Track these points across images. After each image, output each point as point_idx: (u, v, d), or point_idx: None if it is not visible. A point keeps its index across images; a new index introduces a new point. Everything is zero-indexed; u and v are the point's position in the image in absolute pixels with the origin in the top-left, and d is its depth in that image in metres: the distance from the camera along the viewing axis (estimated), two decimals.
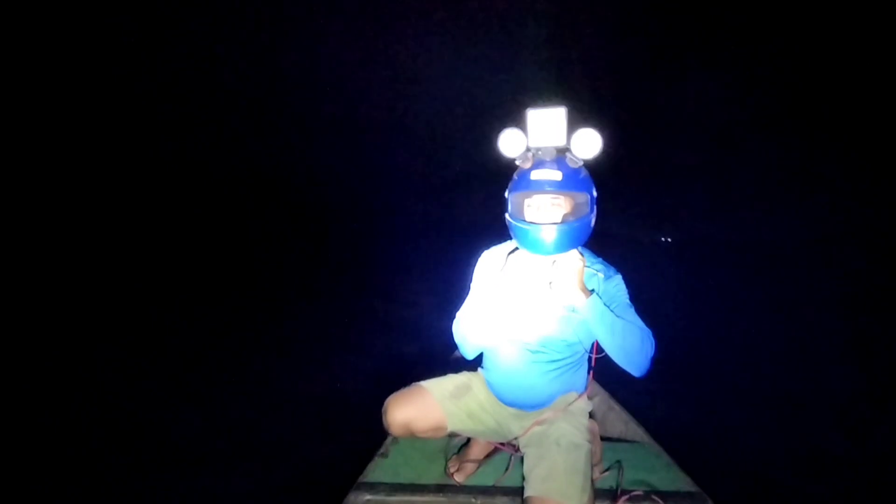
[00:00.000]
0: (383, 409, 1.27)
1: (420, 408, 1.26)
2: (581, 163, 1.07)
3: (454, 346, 1.40)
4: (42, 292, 3.73)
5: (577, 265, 1.09)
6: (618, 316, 1.11)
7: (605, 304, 1.11)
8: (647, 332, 1.12)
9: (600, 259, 1.24)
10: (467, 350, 1.25)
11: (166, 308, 3.63)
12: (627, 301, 1.17)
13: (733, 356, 2.77)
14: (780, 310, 3.32)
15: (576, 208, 1.09)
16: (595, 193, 1.10)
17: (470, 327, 1.19)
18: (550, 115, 1.03)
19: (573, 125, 1.05)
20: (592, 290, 1.14)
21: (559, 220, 1.08)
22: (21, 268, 4.01)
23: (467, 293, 1.28)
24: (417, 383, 1.32)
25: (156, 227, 5.01)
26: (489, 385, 1.32)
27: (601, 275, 1.19)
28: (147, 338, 3.12)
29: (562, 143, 1.05)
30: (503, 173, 1.19)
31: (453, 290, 1.25)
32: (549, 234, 1.05)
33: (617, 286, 1.18)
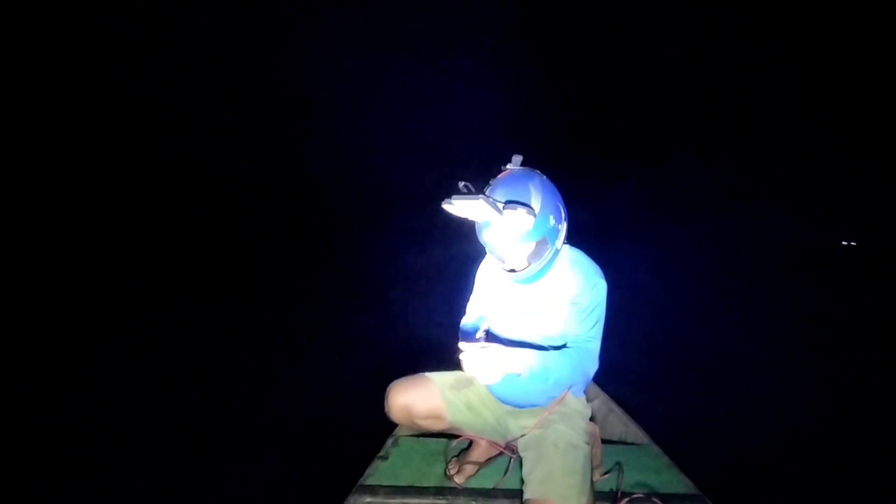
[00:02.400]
0: (385, 394, 1.30)
1: (421, 392, 1.29)
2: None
3: (455, 347, 1.42)
4: (42, 292, 3.73)
5: (491, 362, 1.05)
6: (549, 352, 1.14)
7: (536, 359, 1.10)
8: (582, 360, 1.13)
9: (588, 261, 1.22)
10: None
11: (166, 308, 3.63)
12: (591, 314, 1.15)
13: (734, 358, 2.76)
14: (782, 312, 3.32)
15: (537, 247, 1.10)
16: (553, 222, 1.08)
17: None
18: (470, 206, 0.99)
19: (500, 186, 1.05)
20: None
21: (518, 268, 1.12)
22: (20, 267, 4.01)
23: (469, 296, 1.33)
24: (421, 373, 1.36)
25: (155, 226, 5.01)
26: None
27: (578, 279, 1.18)
28: (147, 338, 3.12)
29: (495, 218, 1.02)
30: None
31: (454, 290, 1.26)
32: (517, 278, 1.13)
33: (589, 296, 1.16)
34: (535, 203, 1.04)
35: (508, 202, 1.02)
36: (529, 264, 1.11)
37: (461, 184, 1.01)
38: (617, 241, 4.46)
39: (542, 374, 1.11)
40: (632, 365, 2.55)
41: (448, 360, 1.43)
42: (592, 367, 1.17)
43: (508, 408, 1.32)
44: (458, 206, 0.99)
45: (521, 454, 1.24)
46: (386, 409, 1.30)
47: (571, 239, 1.26)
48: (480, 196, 0.97)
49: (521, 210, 1.01)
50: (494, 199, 1.01)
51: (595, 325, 1.17)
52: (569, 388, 1.26)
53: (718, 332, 3.04)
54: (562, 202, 1.13)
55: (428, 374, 1.36)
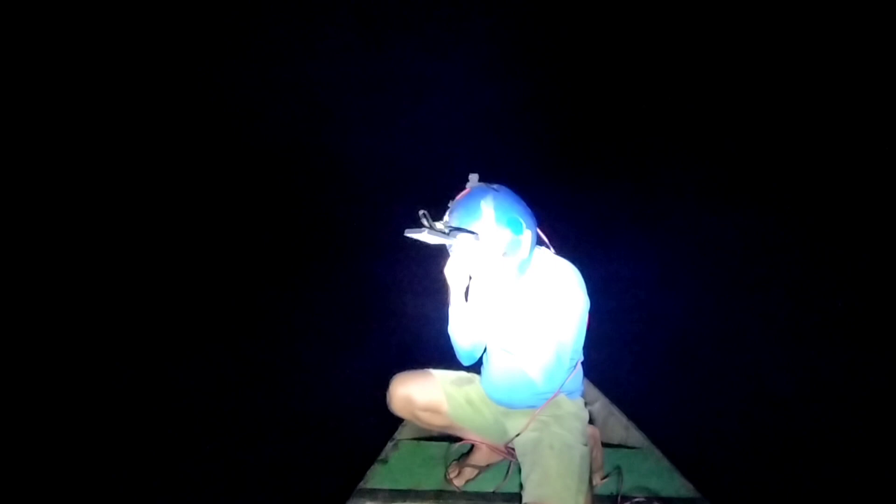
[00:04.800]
0: (388, 385, 1.33)
1: (422, 384, 1.33)
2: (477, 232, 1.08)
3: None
4: (42, 291, 3.73)
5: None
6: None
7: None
8: (548, 361, 1.12)
9: (572, 274, 1.20)
10: (461, 355, 1.34)
11: (165, 308, 3.63)
12: (565, 325, 1.14)
13: (737, 361, 2.75)
14: (785, 312, 3.31)
15: (500, 260, 1.12)
16: (510, 236, 1.10)
17: (454, 334, 1.30)
18: (419, 237, 1.06)
19: (454, 209, 1.12)
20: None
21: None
22: (19, 267, 4.01)
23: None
24: (425, 369, 1.39)
25: (154, 226, 5.01)
26: (481, 383, 1.38)
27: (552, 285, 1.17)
28: (147, 338, 3.12)
29: (448, 242, 1.09)
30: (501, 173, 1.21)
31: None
32: None
33: (567, 308, 1.14)
34: (487, 221, 1.08)
35: (453, 229, 1.08)
36: (498, 275, 1.13)
37: (420, 212, 1.06)
38: (612, 241, 4.44)
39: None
40: (632, 368, 2.54)
41: (450, 362, 1.44)
42: (556, 369, 1.15)
43: (502, 409, 1.33)
44: (410, 236, 1.06)
45: (519, 458, 1.24)
46: (387, 399, 1.33)
47: (565, 239, 1.27)
48: (424, 229, 1.04)
49: (464, 235, 1.06)
50: (447, 225, 1.10)
51: (565, 332, 1.15)
52: (556, 391, 1.26)
53: (721, 334, 3.03)
54: (522, 213, 1.13)
55: (431, 370, 1.39)
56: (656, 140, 5.89)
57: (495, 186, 1.15)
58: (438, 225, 1.09)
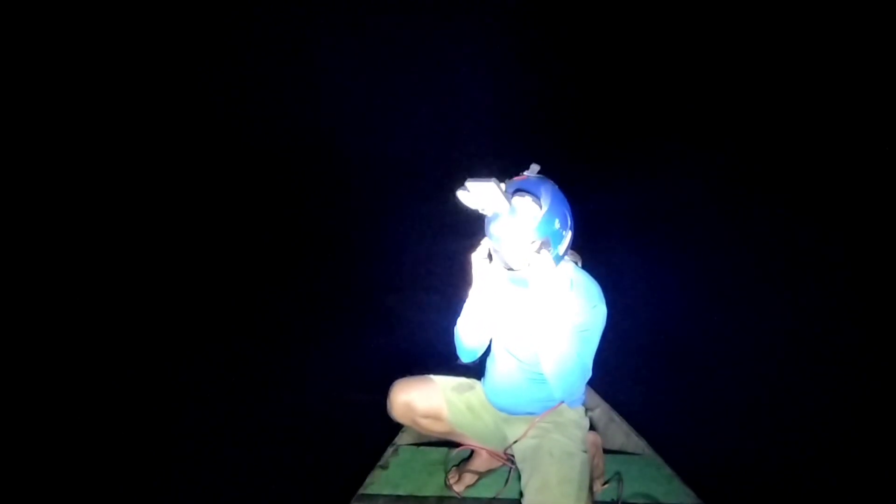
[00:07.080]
0: (388, 391, 1.33)
1: (423, 390, 1.32)
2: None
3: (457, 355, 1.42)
4: (42, 292, 3.73)
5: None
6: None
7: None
8: (572, 371, 1.11)
9: (592, 283, 1.20)
10: (462, 352, 1.33)
11: (165, 308, 3.62)
12: (584, 335, 1.14)
13: (740, 367, 2.74)
14: (788, 316, 3.29)
15: (539, 247, 1.09)
16: (558, 225, 1.09)
17: (463, 330, 1.28)
18: (482, 189, 1.01)
19: (514, 185, 1.08)
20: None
21: (518, 267, 1.12)
22: (19, 268, 4.01)
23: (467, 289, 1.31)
24: (426, 375, 1.38)
25: (155, 227, 5.00)
26: (484, 388, 1.37)
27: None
28: (146, 338, 3.11)
29: (503, 208, 1.05)
30: (510, 171, 1.19)
31: (459, 292, 1.27)
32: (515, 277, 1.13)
33: (586, 318, 1.15)
34: (544, 202, 1.07)
35: (518, 190, 1.05)
36: (529, 265, 1.10)
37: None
38: (614, 244, 4.44)
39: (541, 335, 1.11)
40: (633, 373, 2.53)
41: (450, 368, 1.43)
42: (578, 382, 1.15)
43: (503, 415, 1.33)
44: (471, 188, 1.01)
45: (518, 465, 1.24)
46: (388, 405, 1.32)
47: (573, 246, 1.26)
48: (492, 179, 0.99)
49: (529, 198, 1.04)
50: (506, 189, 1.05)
51: (587, 345, 1.15)
52: (561, 401, 1.25)
53: (724, 340, 3.01)
54: (570, 212, 1.14)
55: (432, 376, 1.38)
56: (657, 141, 5.87)
57: (552, 181, 1.14)
58: (502, 185, 1.04)
